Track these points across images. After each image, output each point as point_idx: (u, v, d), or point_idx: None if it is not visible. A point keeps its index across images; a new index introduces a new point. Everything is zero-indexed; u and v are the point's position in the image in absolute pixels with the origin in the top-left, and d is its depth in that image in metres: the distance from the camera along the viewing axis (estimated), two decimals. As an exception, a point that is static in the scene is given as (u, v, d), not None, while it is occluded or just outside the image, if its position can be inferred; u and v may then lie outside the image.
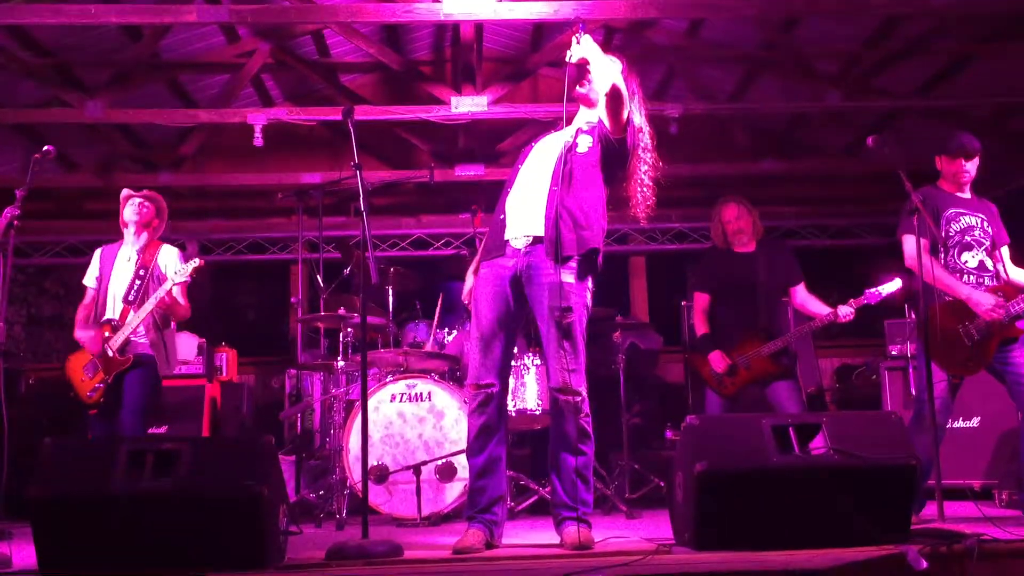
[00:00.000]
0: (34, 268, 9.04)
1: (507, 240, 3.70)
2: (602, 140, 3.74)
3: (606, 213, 3.79)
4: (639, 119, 3.83)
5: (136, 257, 4.94)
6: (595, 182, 3.73)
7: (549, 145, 3.86)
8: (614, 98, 3.63)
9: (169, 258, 4.97)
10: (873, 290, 5.01)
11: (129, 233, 5.01)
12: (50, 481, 3.13)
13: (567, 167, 3.68)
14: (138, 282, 4.86)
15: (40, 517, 3.08)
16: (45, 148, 4.35)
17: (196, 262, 4.82)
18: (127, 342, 4.75)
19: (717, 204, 5.42)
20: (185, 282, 4.80)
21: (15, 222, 4.15)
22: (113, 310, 4.87)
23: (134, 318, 4.76)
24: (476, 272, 3.86)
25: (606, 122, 3.71)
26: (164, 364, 4.90)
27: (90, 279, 5.03)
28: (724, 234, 5.36)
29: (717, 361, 5.17)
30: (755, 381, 5.14)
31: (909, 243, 4.40)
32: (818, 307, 5.17)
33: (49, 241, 8.50)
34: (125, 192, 5.06)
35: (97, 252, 5.09)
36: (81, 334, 4.89)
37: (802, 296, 5.27)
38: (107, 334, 4.78)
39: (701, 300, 5.38)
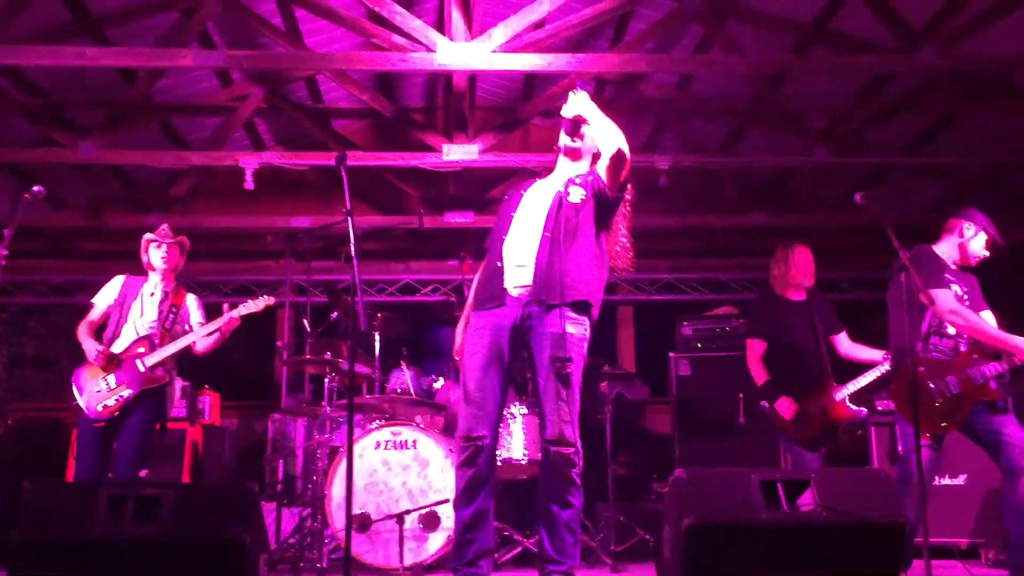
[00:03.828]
0: (17, 307, 8.97)
1: (505, 289, 3.69)
2: (596, 194, 3.75)
3: (604, 267, 3.79)
4: None
5: (161, 295, 5.04)
6: (587, 234, 3.72)
7: (539, 194, 3.86)
8: (619, 159, 3.66)
9: (193, 304, 5.11)
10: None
11: (156, 275, 5.09)
12: (30, 525, 3.08)
13: (559, 217, 3.69)
14: (172, 315, 4.98)
15: (19, 562, 3.02)
16: (35, 188, 4.32)
17: (268, 300, 5.01)
18: (161, 363, 4.84)
19: (785, 247, 5.37)
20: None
21: (1, 261, 4.11)
22: (128, 337, 4.91)
23: (181, 340, 4.88)
24: (467, 322, 3.84)
25: (603, 177, 3.73)
26: (170, 402, 5.02)
27: (104, 299, 5.04)
28: (786, 278, 5.29)
29: (785, 408, 5.04)
30: (832, 427, 5.03)
31: (941, 297, 4.30)
32: (869, 353, 5.11)
33: (34, 280, 8.46)
34: (149, 236, 5.13)
35: (120, 279, 5.11)
36: (89, 343, 4.84)
37: (847, 344, 5.23)
38: (141, 350, 4.84)
39: (757, 347, 5.27)
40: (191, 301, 5.14)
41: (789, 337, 5.20)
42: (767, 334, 5.27)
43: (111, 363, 4.78)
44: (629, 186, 3.86)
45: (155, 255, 5.08)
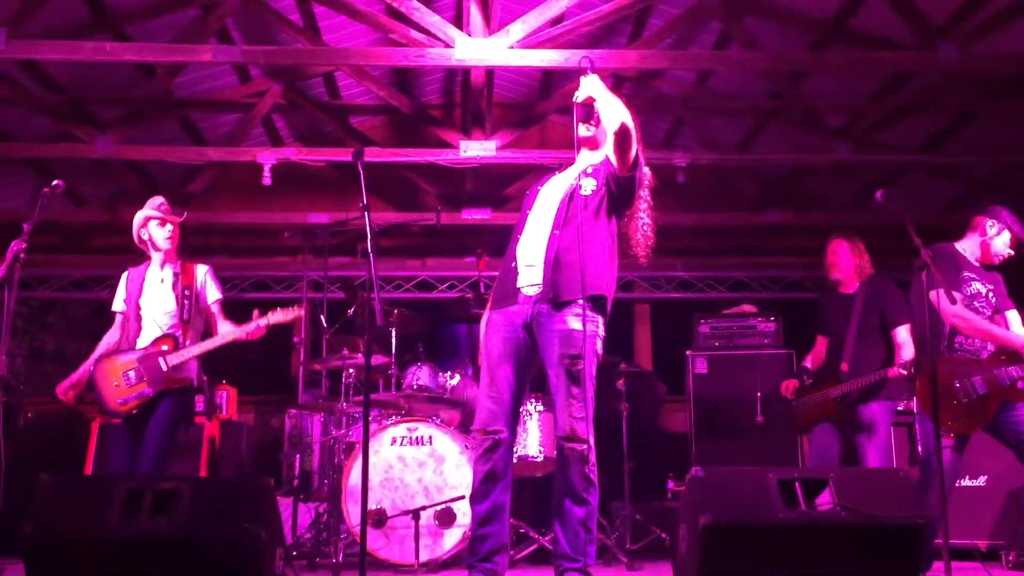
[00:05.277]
0: (38, 302, 9.03)
1: (518, 288, 3.68)
2: (608, 180, 3.71)
3: (615, 258, 3.75)
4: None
5: (173, 278, 4.74)
6: (599, 225, 3.68)
7: (553, 189, 3.83)
8: (623, 135, 3.60)
9: (207, 279, 4.83)
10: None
11: (159, 256, 4.78)
12: (45, 519, 3.09)
13: (569, 210, 3.66)
14: (186, 302, 4.69)
15: (33, 555, 3.04)
16: (54, 183, 4.32)
17: (299, 312, 4.86)
18: (183, 364, 4.59)
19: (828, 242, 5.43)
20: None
21: (21, 255, 4.12)
22: (152, 332, 4.66)
23: (207, 343, 4.62)
24: (487, 319, 3.83)
25: (613, 160, 3.69)
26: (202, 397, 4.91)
27: (119, 303, 4.79)
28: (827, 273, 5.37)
29: (784, 386, 5.32)
30: (818, 422, 5.09)
31: (943, 299, 4.22)
32: (908, 352, 4.92)
33: (54, 275, 8.50)
34: (149, 212, 4.77)
35: (124, 275, 4.84)
36: (90, 361, 4.65)
37: (901, 339, 5.03)
38: (165, 348, 4.58)
39: (817, 342, 5.44)
40: (203, 275, 4.83)
41: (825, 331, 5.35)
42: (821, 329, 5.42)
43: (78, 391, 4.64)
44: (648, 171, 3.82)
45: (159, 234, 4.76)
